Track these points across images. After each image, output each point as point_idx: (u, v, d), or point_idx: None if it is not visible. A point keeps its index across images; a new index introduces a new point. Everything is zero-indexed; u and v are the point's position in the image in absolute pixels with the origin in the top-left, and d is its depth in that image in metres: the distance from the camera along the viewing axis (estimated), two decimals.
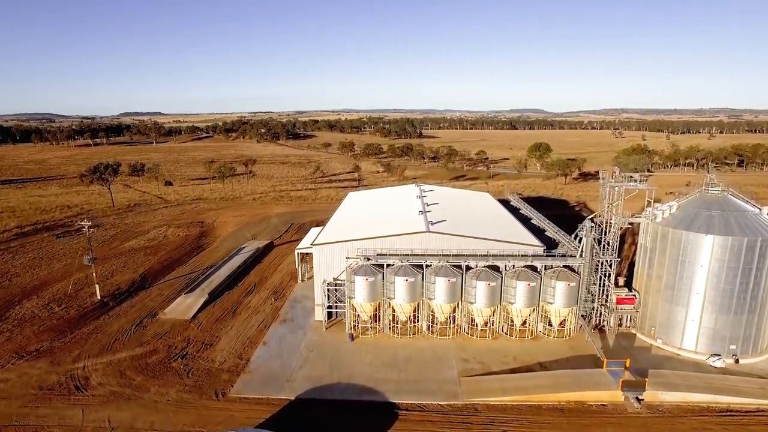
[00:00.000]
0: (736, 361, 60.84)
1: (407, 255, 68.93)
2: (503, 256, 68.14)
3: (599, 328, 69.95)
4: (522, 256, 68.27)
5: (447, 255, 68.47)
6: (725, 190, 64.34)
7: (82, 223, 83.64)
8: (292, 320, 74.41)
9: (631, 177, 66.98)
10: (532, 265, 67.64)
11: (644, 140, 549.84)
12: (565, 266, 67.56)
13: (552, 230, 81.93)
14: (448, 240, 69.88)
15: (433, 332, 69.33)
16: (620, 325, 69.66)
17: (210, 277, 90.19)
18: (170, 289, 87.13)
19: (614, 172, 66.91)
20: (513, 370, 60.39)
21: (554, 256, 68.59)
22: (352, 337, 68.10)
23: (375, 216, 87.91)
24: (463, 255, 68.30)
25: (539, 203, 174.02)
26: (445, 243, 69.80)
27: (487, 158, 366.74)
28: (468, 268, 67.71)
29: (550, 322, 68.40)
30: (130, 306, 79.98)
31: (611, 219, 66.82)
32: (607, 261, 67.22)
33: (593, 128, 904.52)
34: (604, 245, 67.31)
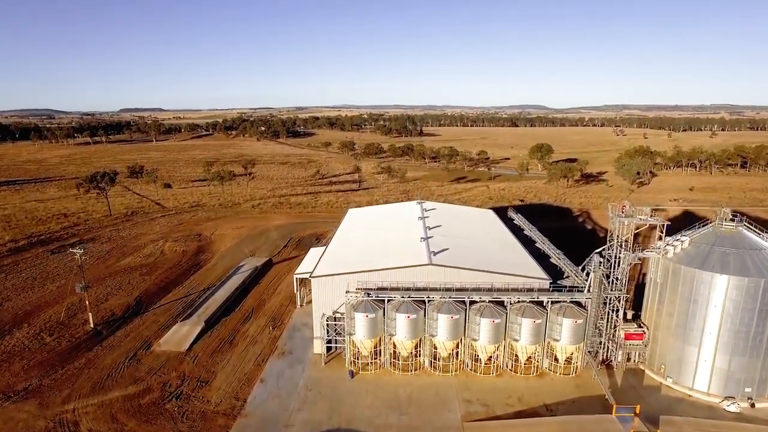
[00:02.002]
0: (752, 405, 58.63)
1: (408, 289, 66.70)
2: (508, 290, 65.89)
3: (607, 364, 67.76)
4: (527, 290, 66.05)
5: (450, 289, 66.27)
6: (739, 225, 61.67)
7: (75, 250, 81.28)
8: (291, 353, 72.22)
9: (641, 210, 64.37)
10: (538, 300, 65.41)
11: (646, 138, 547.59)
12: (572, 301, 65.29)
13: (556, 256, 79.58)
14: (451, 273, 67.60)
15: (435, 368, 67.15)
16: (629, 359, 67.45)
17: (206, 301, 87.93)
18: (166, 314, 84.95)
19: (624, 206, 64.41)
20: (518, 414, 58.24)
21: (561, 290, 66.20)
22: (352, 374, 65.91)
23: (375, 241, 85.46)
24: (467, 289, 66.05)
25: (541, 212, 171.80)
26: (447, 276, 67.54)
27: (488, 158, 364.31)
28: (472, 302, 65.52)
29: (555, 357, 66.25)
30: (125, 335, 77.80)
31: (620, 253, 64.41)
32: (615, 297, 64.90)
33: (594, 125, 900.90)
34: (612, 280, 64.96)
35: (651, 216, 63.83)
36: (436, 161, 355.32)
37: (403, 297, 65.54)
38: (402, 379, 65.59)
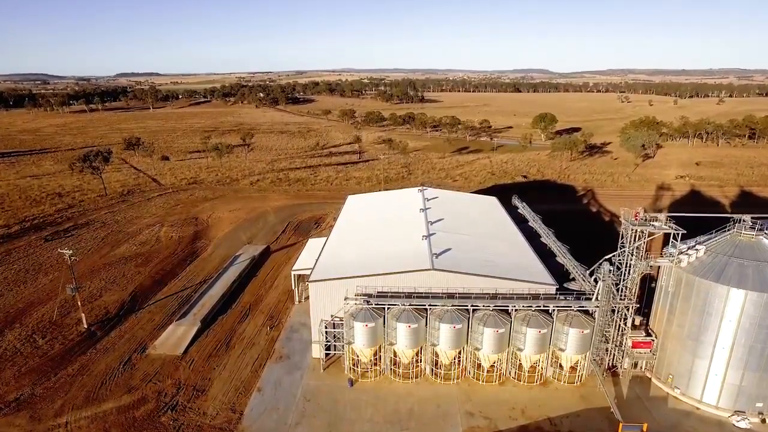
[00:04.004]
0: (763, 420, 57.02)
1: (410, 296, 64.24)
2: (513, 297, 63.41)
3: (612, 371, 65.99)
4: (533, 297, 63.51)
5: (452, 296, 63.79)
6: (760, 234, 58.44)
7: (64, 251, 78.51)
8: (289, 357, 70.46)
9: (655, 218, 61.10)
10: (544, 308, 63.09)
11: (651, 105, 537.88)
12: (578, 309, 62.99)
13: (562, 255, 76.69)
14: (454, 278, 65.08)
15: (436, 375, 65.43)
16: (635, 366, 65.60)
17: (202, 297, 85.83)
18: (161, 312, 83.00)
19: (637, 213, 61.13)
20: (521, 429, 56.72)
21: (567, 297, 63.67)
22: (351, 383, 64.27)
23: (375, 239, 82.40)
24: (470, 296, 63.59)
25: (544, 191, 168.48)
26: (450, 280, 65.02)
27: (490, 127, 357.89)
28: (475, 309, 63.25)
29: (560, 365, 64.42)
30: (119, 336, 75.97)
31: (631, 260, 61.60)
32: (624, 306, 62.48)
33: (599, 91, 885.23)
34: (621, 288, 62.42)
35: (665, 223, 60.54)
36: (437, 130, 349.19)
37: (403, 305, 63.27)
38: (402, 388, 63.90)
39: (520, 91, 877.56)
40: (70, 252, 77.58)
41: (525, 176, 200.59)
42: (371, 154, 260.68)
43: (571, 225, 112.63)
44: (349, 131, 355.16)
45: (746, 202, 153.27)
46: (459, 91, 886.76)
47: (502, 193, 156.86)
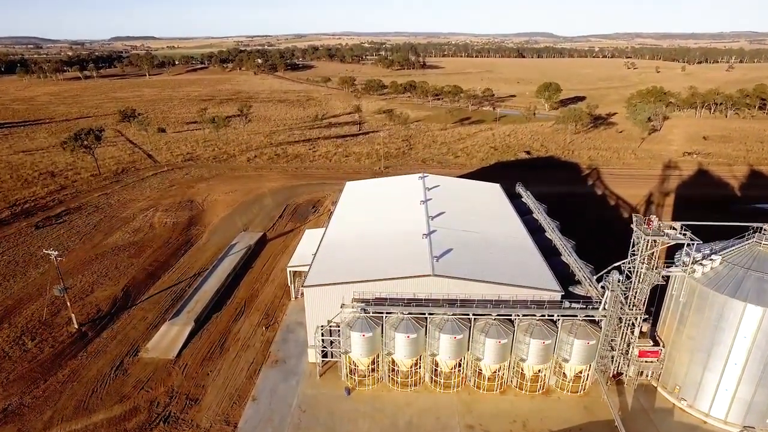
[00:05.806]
0: None
1: (409, 303, 61.62)
2: (516, 306, 60.76)
3: (617, 378, 63.97)
4: (537, 304, 60.85)
5: (453, 303, 61.17)
6: None
7: (49, 252, 75.60)
8: (284, 361, 68.48)
9: (671, 227, 57.59)
10: (548, 317, 60.57)
11: (658, 72, 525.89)
12: (584, 317, 60.49)
13: (567, 253, 73.78)
14: (455, 284, 62.33)
15: (436, 383, 63.50)
16: (641, 374, 63.51)
17: (196, 293, 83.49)
18: (155, 309, 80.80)
19: (650, 221, 57.64)
20: None
21: (573, 305, 61.00)
22: (349, 392, 62.42)
23: (374, 236, 78.92)
24: (471, 303, 60.94)
25: (548, 170, 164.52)
26: (451, 287, 62.30)
27: (493, 95, 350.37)
28: (476, 316, 60.76)
29: (564, 373, 62.38)
30: (111, 337, 73.87)
31: (641, 268, 58.58)
32: (633, 315, 59.85)
33: (604, 56, 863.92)
34: (630, 297, 59.65)
35: (680, 232, 57.14)
36: (439, 99, 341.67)
37: (402, 314, 60.78)
38: (401, 397, 62.03)
39: (524, 57, 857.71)
40: (56, 253, 74.64)
41: (528, 152, 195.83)
42: (371, 125, 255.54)
43: (575, 211, 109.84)
44: (349, 100, 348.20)
45: (756, 182, 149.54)
46: (461, 56, 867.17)
47: (505, 171, 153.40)
